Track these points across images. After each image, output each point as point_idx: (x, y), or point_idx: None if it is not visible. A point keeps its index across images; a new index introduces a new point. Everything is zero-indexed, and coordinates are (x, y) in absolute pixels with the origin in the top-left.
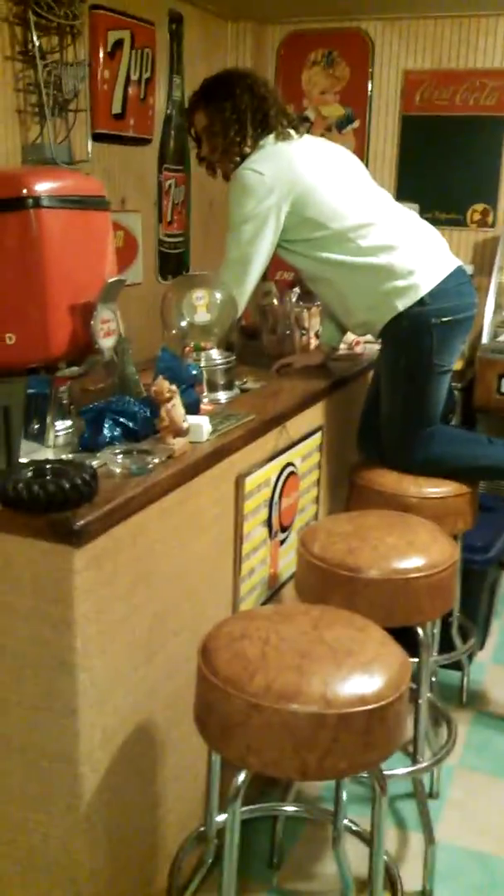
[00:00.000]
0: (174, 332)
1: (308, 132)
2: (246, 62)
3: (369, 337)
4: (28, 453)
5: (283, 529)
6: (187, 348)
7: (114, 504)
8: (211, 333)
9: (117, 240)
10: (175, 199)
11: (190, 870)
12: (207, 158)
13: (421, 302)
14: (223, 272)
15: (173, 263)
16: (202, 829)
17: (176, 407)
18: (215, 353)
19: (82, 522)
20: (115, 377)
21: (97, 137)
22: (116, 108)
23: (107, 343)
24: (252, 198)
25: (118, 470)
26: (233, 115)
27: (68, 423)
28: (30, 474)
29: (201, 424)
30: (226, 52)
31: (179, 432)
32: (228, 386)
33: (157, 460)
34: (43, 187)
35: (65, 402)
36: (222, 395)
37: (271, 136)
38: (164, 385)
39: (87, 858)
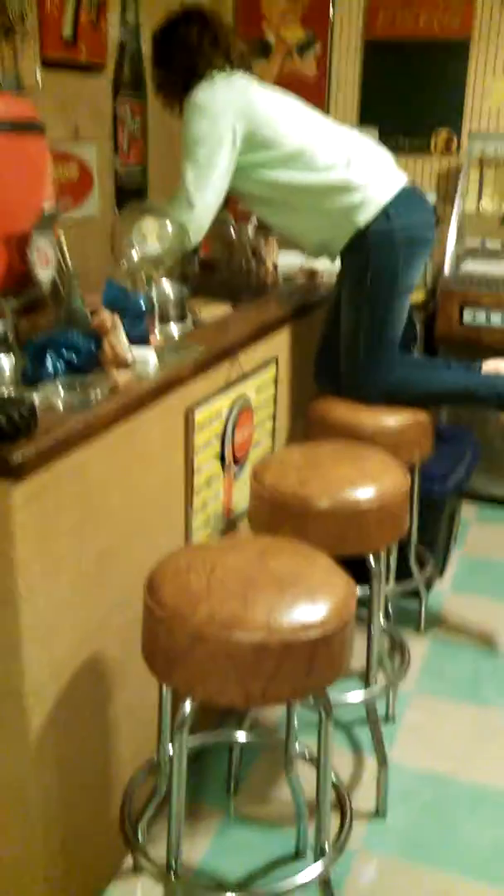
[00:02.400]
0: (124, 263)
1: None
2: None
3: (328, 264)
4: None
5: (237, 462)
6: (138, 278)
7: (53, 438)
8: (162, 264)
9: (70, 171)
10: (131, 130)
11: (145, 800)
12: (163, 91)
13: (386, 217)
14: (177, 199)
15: (131, 197)
16: (154, 758)
17: (119, 339)
18: (167, 285)
19: (20, 457)
20: (63, 311)
21: (47, 64)
22: (67, 33)
23: (44, 274)
24: (205, 118)
25: (60, 404)
26: (187, 50)
27: (11, 357)
28: None
29: (147, 357)
30: None
31: (123, 364)
32: (181, 318)
33: (99, 394)
34: None
35: (9, 335)
36: (174, 328)
37: (225, 67)
38: (106, 316)
39: (39, 789)
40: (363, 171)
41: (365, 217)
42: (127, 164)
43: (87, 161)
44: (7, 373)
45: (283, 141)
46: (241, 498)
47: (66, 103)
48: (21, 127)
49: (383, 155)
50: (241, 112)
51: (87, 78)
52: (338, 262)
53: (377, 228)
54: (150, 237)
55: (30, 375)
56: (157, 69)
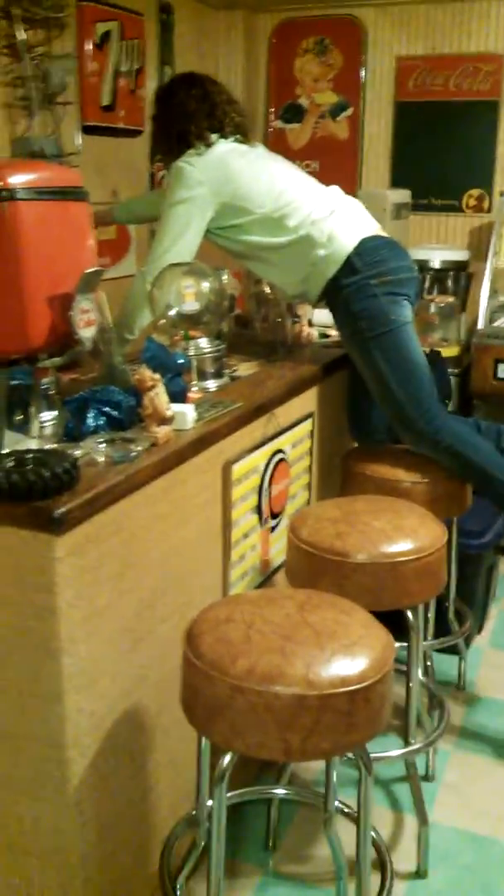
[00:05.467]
0: (163, 321)
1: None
2: (237, 51)
3: None
4: (11, 444)
5: (274, 516)
6: (176, 337)
7: (95, 492)
8: (200, 322)
9: (109, 232)
10: None
11: (183, 853)
12: (157, 146)
13: (352, 269)
14: (149, 253)
15: None
16: (193, 812)
17: (159, 395)
18: (204, 342)
19: (63, 510)
20: (103, 367)
21: (87, 130)
22: (106, 100)
23: (87, 333)
24: (183, 187)
25: (101, 458)
26: (182, 115)
27: (54, 413)
28: (11, 464)
29: (186, 412)
30: (217, 41)
31: (163, 420)
32: (218, 374)
33: (140, 448)
34: (18, 179)
35: (51, 392)
36: (211, 384)
37: (214, 137)
38: (147, 373)
39: (78, 842)
40: (327, 226)
41: (331, 269)
42: None
43: None
44: (50, 428)
45: (256, 210)
46: (278, 551)
47: (104, 166)
48: (66, 194)
49: (357, 209)
50: (218, 186)
51: (124, 141)
52: None
53: (346, 280)
54: (189, 296)
55: (72, 431)
56: (154, 126)
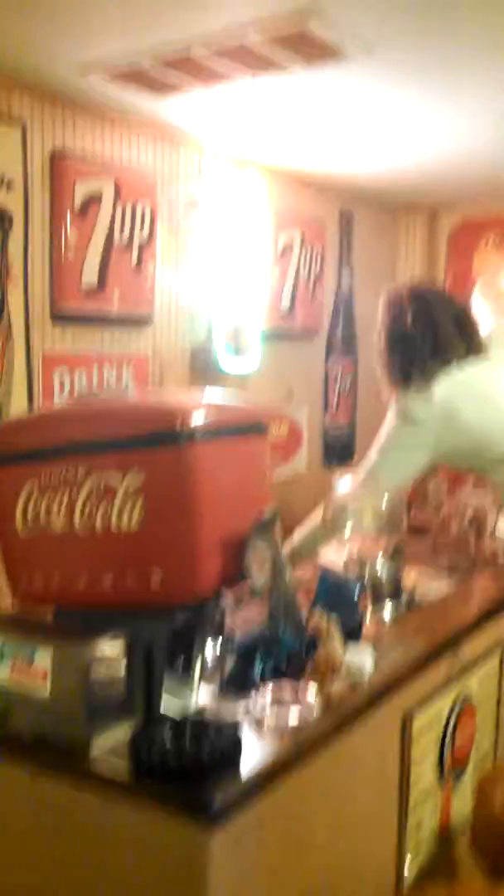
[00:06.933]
0: (337, 541)
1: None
2: (416, 251)
3: None
4: (172, 692)
5: (456, 768)
6: (350, 559)
7: (257, 771)
8: (376, 542)
9: (282, 430)
10: (341, 387)
11: None
12: (385, 373)
13: None
14: (360, 482)
15: (338, 450)
16: None
17: (332, 645)
18: (379, 562)
19: (221, 799)
20: (274, 606)
21: (266, 334)
22: (285, 305)
23: (260, 576)
24: (408, 425)
25: (265, 724)
26: (409, 351)
27: (215, 652)
28: (168, 733)
29: (364, 663)
30: (396, 242)
31: (336, 673)
32: (395, 595)
33: (312, 710)
34: (198, 420)
35: (216, 634)
36: (387, 609)
37: (440, 366)
38: (323, 621)
39: None
40: None
41: None
42: (335, 420)
43: (297, 420)
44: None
45: (484, 452)
46: (460, 808)
47: (282, 368)
48: (247, 430)
49: None
50: (444, 428)
51: (302, 343)
52: None
53: None
54: (366, 515)
55: (235, 677)
56: (384, 353)
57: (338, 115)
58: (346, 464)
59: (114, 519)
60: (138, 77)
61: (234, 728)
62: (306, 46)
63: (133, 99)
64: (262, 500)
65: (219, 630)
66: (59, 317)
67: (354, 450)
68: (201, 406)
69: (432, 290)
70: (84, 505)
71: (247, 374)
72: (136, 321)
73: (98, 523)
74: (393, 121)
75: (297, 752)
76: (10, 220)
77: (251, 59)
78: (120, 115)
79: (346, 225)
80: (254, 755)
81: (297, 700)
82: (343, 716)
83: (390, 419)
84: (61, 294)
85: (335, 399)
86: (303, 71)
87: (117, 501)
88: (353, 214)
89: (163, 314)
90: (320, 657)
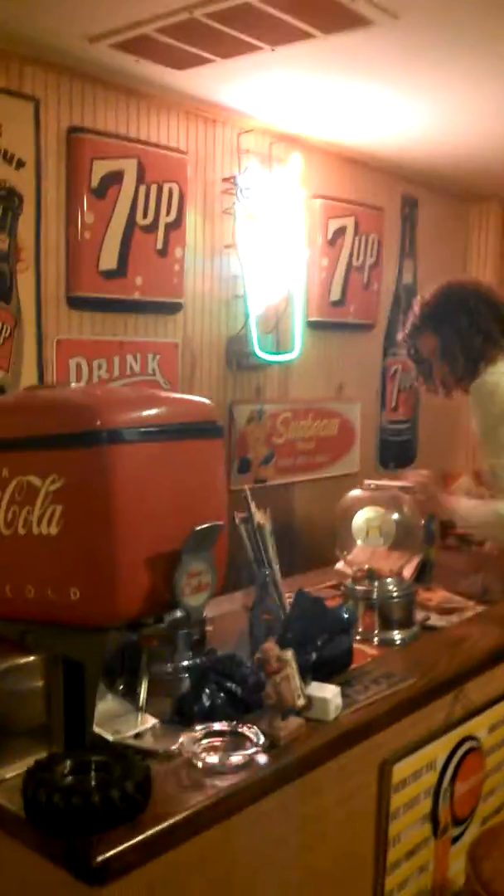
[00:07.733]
0: (345, 553)
1: None
2: (489, 242)
3: None
4: (110, 717)
5: (458, 822)
6: (360, 572)
7: (162, 826)
8: (391, 558)
9: (331, 428)
10: (402, 384)
11: None
12: (442, 381)
13: None
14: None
15: (396, 450)
16: None
17: (287, 679)
18: (392, 582)
19: (105, 856)
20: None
21: (312, 325)
22: (335, 295)
23: (194, 602)
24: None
25: (198, 763)
26: (472, 331)
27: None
28: (65, 770)
29: (327, 699)
30: (467, 232)
31: (290, 710)
32: (406, 623)
33: (251, 752)
34: (120, 418)
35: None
36: (397, 635)
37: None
38: (272, 653)
39: None
40: None
41: None
42: (394, 418)
43: (349, 417)
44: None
45: None
46: (461, 869)
47: (331, 361)
48: (189, 432)
49: None
50: None
51: (355, 336)
52: None
53: None
54: (373, 529)
55: (183, 707)
56: (440, 359)
57: (383, 82)
58: (405, 465)
59: (34, 525)
60: (147, 47)
61: (143, 775)
62: (327, 13)
63: (154, 73)
64: (209, 513)
65: (196, 646)
66: (76, 302)
67: (415, 451)
68: (128, 401)
69: (475, 282)
70: (9, 506)
71: (289, 364)
72: (163, 308)
73: (20, 527)
74: (452, 92)
75: (219, 804)
76: (21, 200)
77: (266, 27)
78: (146, 91)
79: (408, 212)
80: (168, 803)
81: (241, 739)
82: (293, 761)
83: (476, 409)
84: (77, 278)
85: (394, 396)
86: (323, 37)
87: (38, 505)
88: (417, 201)
89: (195, 301)
90: (268, 693)
